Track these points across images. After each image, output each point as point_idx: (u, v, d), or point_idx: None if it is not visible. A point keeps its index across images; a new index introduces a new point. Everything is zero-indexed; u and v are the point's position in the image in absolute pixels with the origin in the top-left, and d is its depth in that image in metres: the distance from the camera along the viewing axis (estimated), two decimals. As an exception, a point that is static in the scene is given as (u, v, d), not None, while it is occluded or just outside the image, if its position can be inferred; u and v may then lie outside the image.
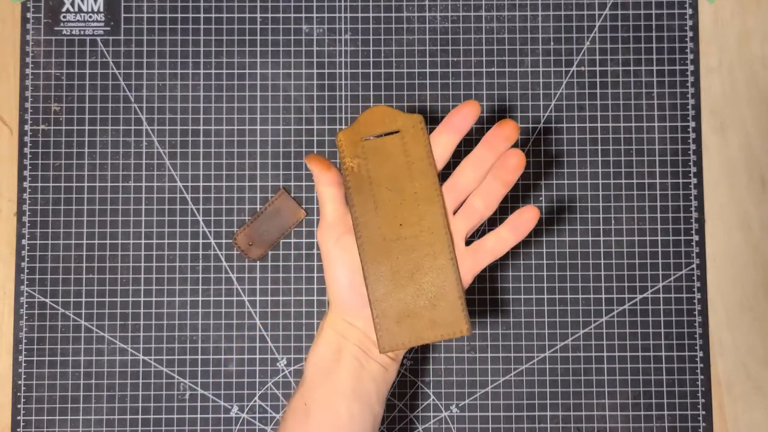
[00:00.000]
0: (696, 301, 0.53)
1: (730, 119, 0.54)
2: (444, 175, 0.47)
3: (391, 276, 0.43)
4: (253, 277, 0.53)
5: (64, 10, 0.54)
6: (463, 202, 0.44)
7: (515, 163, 0.42)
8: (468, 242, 0.45)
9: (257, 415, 0.52)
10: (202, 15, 0.54)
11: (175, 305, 0.53)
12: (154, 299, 0.53)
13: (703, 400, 0.52)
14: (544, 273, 0.53)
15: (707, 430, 0.52)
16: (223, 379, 0.52)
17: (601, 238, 0.53)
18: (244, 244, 0.53)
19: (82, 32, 0.54)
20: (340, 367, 0.43)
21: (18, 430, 0.52)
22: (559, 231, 0.53)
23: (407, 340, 0.43)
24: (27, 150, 0.53)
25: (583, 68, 0.54)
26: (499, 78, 0.54)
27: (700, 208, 0.53)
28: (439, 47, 0.54)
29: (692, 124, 0.54)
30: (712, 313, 0.53)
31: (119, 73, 0.54)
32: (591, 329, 0.53)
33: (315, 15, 0.54)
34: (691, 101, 0.54)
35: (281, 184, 0.53)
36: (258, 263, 0.53)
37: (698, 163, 0.53)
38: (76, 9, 0.54)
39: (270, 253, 0.53)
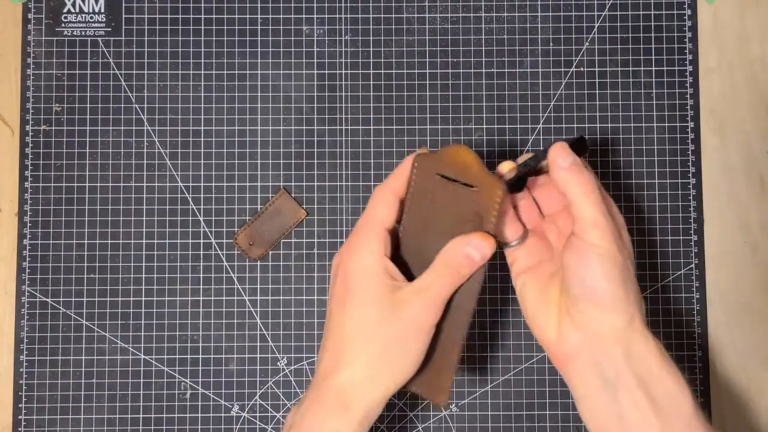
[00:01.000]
0: (695, 301, 0.53)
1: (729, 120, 0.54)
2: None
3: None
4: (253, 277, 0.53)
5: (65, 10, 0.54)
6: None
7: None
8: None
9: (258, 415, 0.52)
10: (203, 16, 0.54)
11: (176, 305, 0.53)
12: (155, 299, 0.53)
13: (702, 400, 0.52)
14: (544, 273, 0.53)
15: (707, 429, 0.52)
16: (224, 378, 0.53)
17: (601, 238, 0.53)
18: (245, 244, 0.53)
19: (83, 33, 0.54)
20: None
21: (19, 429, 0.52)
22: (559, 231, 0.53)
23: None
24: (28, 150, 0.53)
25: (582, 69, 0.54)
26: (498, 78, 0.54)
27: (699, 209, 0.53)
28: (439, 47, 0.54)
29: (691, 124, 0.54)
30: (711, 313, 0.53)
31: (120, 73, 0.54)
32: (590, 329, 0.53)
33: (315, 16, 0.54)
34: (690, 102, 0.54)
35: (281, 184, 0.53)
36: (258, 263, 0.53)
37: (697, 164, 0.54)
38: (78, 10, 0.54)
39: (270, 253, 0.53)
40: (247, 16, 0.54)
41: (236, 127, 0.54)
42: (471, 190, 0.39)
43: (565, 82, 0.54)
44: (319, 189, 0.54)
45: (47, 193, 0.53)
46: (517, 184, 0.43)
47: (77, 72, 0.54)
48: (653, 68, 0.54)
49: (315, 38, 0.54)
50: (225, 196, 0.53)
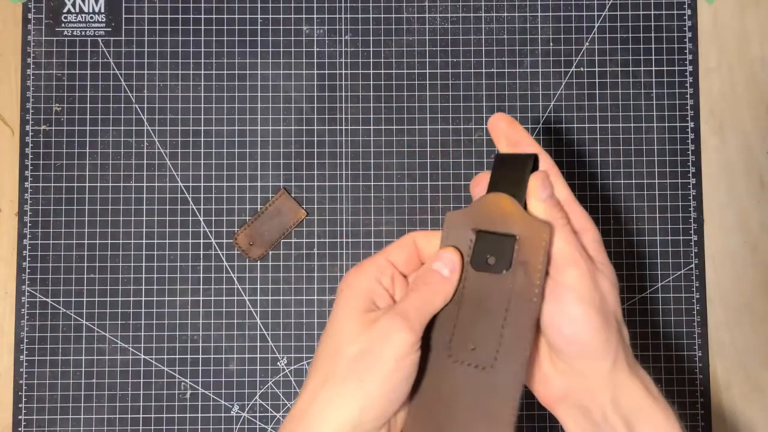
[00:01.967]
0: (695, 301, 0.53)
1: (729, 120, 0.54)
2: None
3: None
4: (253, 277, 0.53)
5: (65, 10, 0.54)
6: None
7: None
8: None
9: (258, 415, 0.52)
10: (203, 16, 0.54)
11: (176, 305, 0.53)
12: (155, 299, 0.53)
13: (702, 400, 0.52)
14: (544, 273, 0.53)
15: (706, 430, 0.52)
16: (224, 378, 0.53)
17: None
18: (245, 244, 0.53)
19: (83, 33, 0.54)
20: None
21: (19, 429, 0.52)
22: (559, 231, 0.53)
23: None
24: (28, 150, 0.53)
25: (582, 69, 0.54)
26: (498, 78, 0.54)
27: (699, 209, 0.53)
28: (439, 47, 0.54)
29: (691, 124, 0.54)
30: (711, 313, 0.53)
31: (120, 73, 0.54)
32: (590, 329, 0.53)
33: (315, 16, 0.54)
34: (690, 102, 0.54)
35: (281, 184, 0.54)
36: (258, 263, 0.53)
37: (697, 164, 0.54)
38: (78, 10, 0.54)
39: (270, 253, 0.53)
40: (247, 16, 0.54)
41: (236, 127, 0.54)
42: (512, 238, 0.36)
43: (565, 82, 0.54)
44: (319, 189, 0.54)
45: (47, 193, 0.53)
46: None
47: (77, 72, 0.54)
48: (653, 68, 0.54)
49: (315, 38, 0.54)
50: (225, 196, 0.53)
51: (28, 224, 0.53)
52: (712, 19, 0.54)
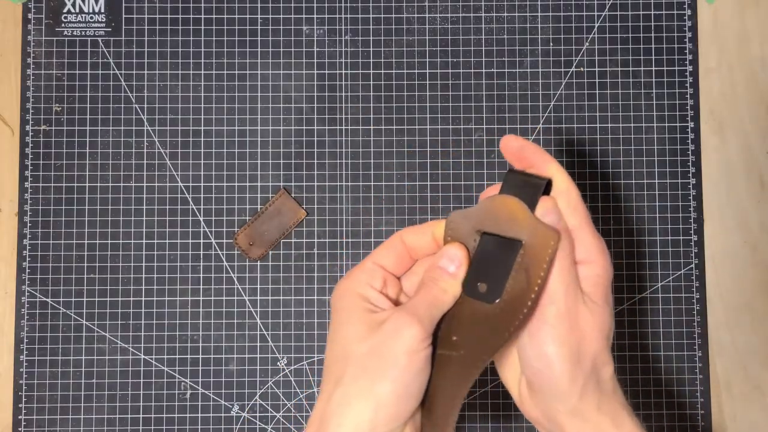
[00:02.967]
0: (695, 301, 0.53)
1: (729, 120, 0.54)
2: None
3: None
4: (253, 277, 0.53)
5: (65, 10, 0.54)
6: None
7: None
8: None
9: (258, 415, 0.52)
10: (203, 16, 0.54)
11: (176, 305, 0.53)
12: (155, 299, 0.53)
13: (702, 400, 0.52)
14: (544, 273, 0.53)
15: (706, 430, 0.52)
16: (224, 378, 0.53)
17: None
18: (245, 244, 0.53)
19: (83, 33, 0.54)
20: None
21: (19, 429, 0.52)
22: (559, 231, 0.53)
23: None
24: (28, 150, 0.53)
25: (582, 69, 0.54)
26: (499, 78, 0.54)
27: (699, 209, 0.53)
28: (439, 47, 0.54)
29: (691, 124, 0.54)
30: (711, 313, 0.53)
31: (120, 73, 0.54)
32: (590, 329, 0.53)
33: (315, 16, 0.54)
34: (690, 102, 0.54)
35: (281, 184, 0.54)
36: (258, 263, 0.53)
37: (697, 164, 0.54)
38: (77, 10, 0.54)
39: (270, 253, 0.53)
40: (247, 16, 0.54)
41: (236, 127, 0.54)
42: (517, 242, 0.35)
43: (565, 82, 0.54)
44: (319, 189, 0.54)
45: (47, 193, 0.53)
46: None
47: (77, 72, 0.54)
48: (653, 68, 0.54)
49: (315, 38, 0.54)
50: (225, 196, 0.53)
51: (28, 224, 0.53)
52: (712, 19, 0.54)
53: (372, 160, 0.53)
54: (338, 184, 0.53)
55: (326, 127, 0.54)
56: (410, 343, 0.33)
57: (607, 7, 0.54)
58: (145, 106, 0.54)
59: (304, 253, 0.53)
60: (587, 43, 0.54)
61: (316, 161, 0.54)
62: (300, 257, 0.53)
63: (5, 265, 0.53)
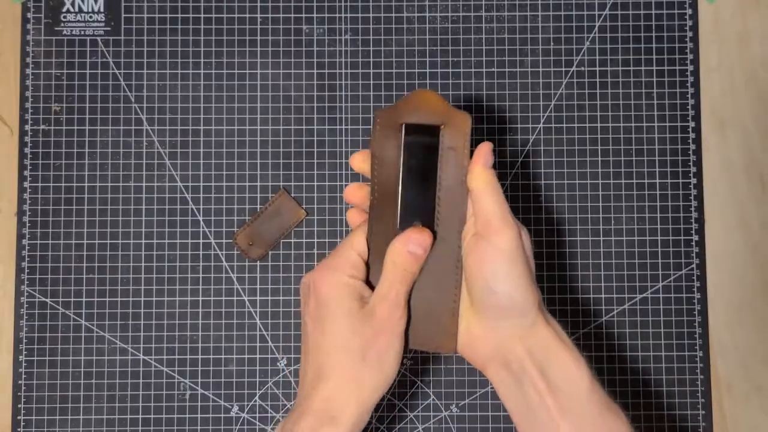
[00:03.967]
0: (696, 301, 0.53)
1: (730, 119, 0.54)
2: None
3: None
4: (253, 277, 0.53)
5: (64, 10, 0.54)
6: None
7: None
8: None
9: (257, 415, 0.52)
10: (202, 15, 0.54)
11: (175, 305, 0.53)
12: (154, 299, 0.53)
13: (703, 400, 0.52)
14: (544, 273, 0.53)
15: (707, 430, 0.52)
16: (224, 378, 0.52)
17: (601, 238, 0.53)
18: (245, 244, 0.53)
19: (82, 32, 0.54)
20: None
21: (18, 430, 0.52)
22: (559, 231, 0.53)
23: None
24: (27, 150, 0.53)
25: (582, 68, 0.54)
26: (499, 78, 0.54)
27: (700, 208, 0.53)
28: (439, 47, 0.54)
29: (692, 124, 0.54)
30: (712, 313, 0.53)
31: (119, 73, 0.54)
32: (590, 329, 0.53)
33: (315, 15, 0.54)
34: (691, 101, 0.54)
35: (281, 184, 0.53)
36: (258, 263, 0.53)
37: (698, 163, 0.53)
38: (77, 9, 0.54)
39: (270, 253, 0.53)
40: (247, 15, 0.54)
41: (236, 127, 0.54)
42: (438, 127, 0.41)
43: (566, 82, 0.54)
44: (319, 189, 0.53)
45: (46, 193, 0.53)
46: None
47: (76, 71, 0.54)
48: (654, 68, 0.54)
49: (315, 38, 0.54)
50: (224, 196, 0.53)
51: (27, 224, 0.53)
52: (712, 18, 0.54)
53: (372, 160, 0.53)
54: (338, 184, 0.53)
55: (326, 127, 0.54)
56: (401, 330, 0.39)
57: (608, 6, 0.54)
58: (145, 105, 0.54)
59: (304, 253, 0.53)
60: (588, 43, 0.54)
61: (316, 161, 0.53)
62: (300, 257, 0.53)
63: (4, 265, 0.53)
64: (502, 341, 0.39)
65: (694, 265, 0.53)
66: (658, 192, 0.53)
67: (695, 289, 0.53)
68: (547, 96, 0.54)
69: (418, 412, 0.52)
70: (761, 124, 0.54)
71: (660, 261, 0.53)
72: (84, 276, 0.53)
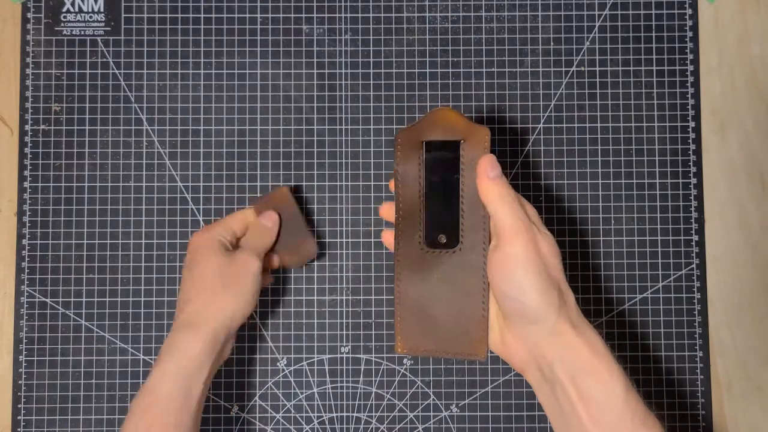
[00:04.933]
0: (696, 301, 0.53)
1: (730, 119, 0.54)
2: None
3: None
4: (253, 277, 0.53)
5: (64, 10, 0.54)
6: None
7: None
8: None
9: (257, 415, 0.52)
10: (202, 15, 0.54)
11: (175, 305, 0.53)
12: (154, 299, 0.53)
13: (703, 400, 0.52)
14: (544, 273, 0.53)
15: (707, 430, 0.52)
16: (224, 379, 0.52)
17: (601, 238, 0.53)
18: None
19: (82, 32, 0.54)
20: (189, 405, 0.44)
21: (18, 429, 0.52)
22: (559, 231, 0.53)
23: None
24: (27, 150, 0.53)
25: (582, 68, 0.54)
26: (499, 78, 0.54)
27: (700, 208, 0.53)
28: (439, 47, 0.54)
29: (692, 124, 0.54)
30: (712, 313, 0.53)
31: (119, 73, 0.54)
32: (591, 329, 0.53)
33: (315, 15, 0.54)
34: (691, 101, 0.54)
35: (281, 183, 0.53)
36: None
37: (698, 163, 0.53)
38: (77, 9, 0.54)
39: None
40: (247, 15, 0.54)
41: (236, 127, 0.54)
42: (457, 142, 0.43)
43: (566, 82, 0.54)
44: (319, 189, 0.53)
45: (46, 192, 0.53)
46: None
47: (76, 71, 0.54)
48: (654, 68, 0.54)
49: (315, 37, 0.54)
50: (224, 195, 0.53)
51: (27, 224, 0.53)
52: (712, 18, 0.54)
53: (372, 160, 0.53)
54: (338, 183, 0.53)
55: (326, 127, 0.54)
56: (256, 270, 0.47)
57: (608, 6, 0.54)
58: (144, 105, 0.54)
59: (304, 253, 0.53)
60: (588, 43, 0.54)
61: (316, 161, 0.53)
62: (300, 257, 0.53)
63: (4, 265, 0.53)
64: (532, 347, 0.40)
65: (694, 265, 0.53)
66: (658, 192, 0.53)
67: (695, 289, 0.53)
68: (547, 96, 0.54)
69: (418, 412, 0.52)
70: (761, 124, 0.54)
71: (660, 261, 0.53)
72: (84, 276, 0.53)
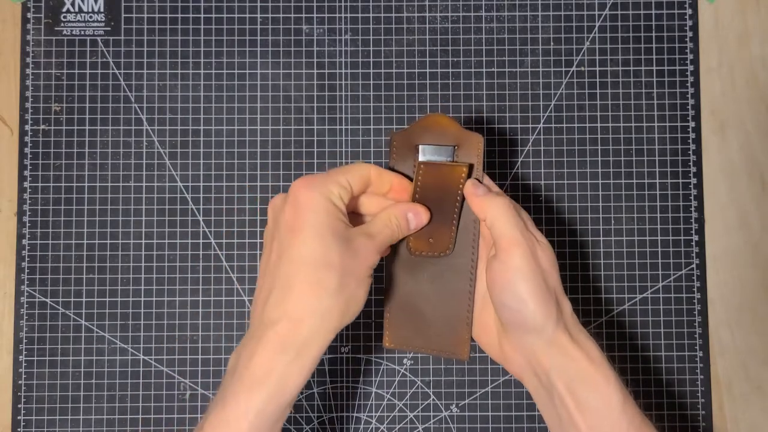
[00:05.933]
0: (696, 301, 0.53)
1: (730, 119, 0.54)
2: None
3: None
4: (253, 277, 0.53)
5: (64, 10, 0.54)
6: None
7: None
8: None
9: (257, 415, 0.52)
10: (202, 15, 0.54)
11: (175, 305, 0.53)
12: (154, 299, 0.53)
13: (703, 400, 0.52)
14: (544, 273, 0.53)
15: (707, 430, 0.52)
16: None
17: (601, 238, 0.53)
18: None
19: (82, 32, 0.54)
20: None
21: (18, 430, 0.52)
22: (559, 231, 0.53)
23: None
24: (27, 150, 0.53)
25: (582, 68, 0.54)
26: (499, 78, 0.54)
27: (700, 208, 0.53)
28: (439, 47, 0.54)
29: (692, 124, 0.54)
30: (712, 313, 0.53)
31: (119, 73, 0.54)
32: (591, 329, 0.53)
33: (315, 15, 0.54)
34: (691, 101, 0.54)
35: (281, 184, 0.53)
36: (257, 263, 0.53)
37: (698, 163, 0.53)
38: (77, 9, 0.54)
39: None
40: (247, 15, 0.54)
41: (236, 127, 0.54)
42: (451, 147, 0.43)
43: (566, 82, 0.54)
44: (319, 189, 0.53)
45: (46, 193, 0.53)
46: None
47: (76, 71, 0.54)
48: (654, 68, 0.54)
49: (315, 37, 0.54)
50: (224, 195, 0.53)
51: (27, 224, 0.53)
52: (712, 18, 0.54)
53: (372, 160, 0.53)
54: (338, 183, 0.53)
55: (326, 127, 0.54)
56: (373, 265, 0.39)
57: (608, 6, 0.54)
58: (145, 105, 0.54)
59: (304, 253, 0.53)
60: (588, 43, 0.54)
61: (316, 161, 0.53)
62: (300, 257, 0.53)
63: (4, 265, 0.53)
64: (530, 355, 0.40)
65: (694, 265, 0.53)
66: (658, 192, 0.53)
67: (695, 289, 0.53)
68: (547, 96, 0.54)
69: (418, 412, 0.52)
70: (761, 124, 0.54)
71: (660, 261, 0.53)
72: (84, 276, 0.53)
